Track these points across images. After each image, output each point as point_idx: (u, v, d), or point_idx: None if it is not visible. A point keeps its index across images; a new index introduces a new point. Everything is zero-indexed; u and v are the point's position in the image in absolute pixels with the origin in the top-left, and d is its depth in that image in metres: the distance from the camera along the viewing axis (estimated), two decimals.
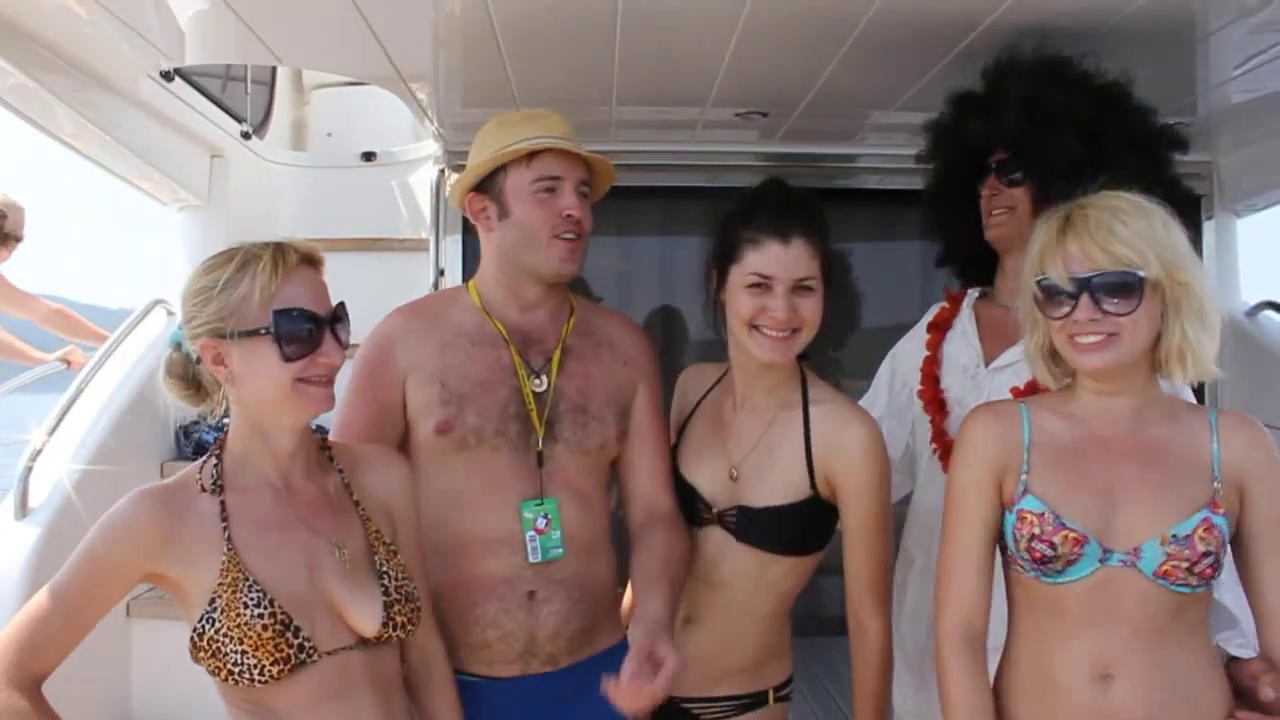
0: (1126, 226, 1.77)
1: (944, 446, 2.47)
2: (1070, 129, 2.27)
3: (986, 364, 2.46)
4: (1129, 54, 2.36)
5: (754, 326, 2.13)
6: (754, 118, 3.16)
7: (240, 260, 1.71)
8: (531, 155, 2.19)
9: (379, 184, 5.06)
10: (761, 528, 2.20)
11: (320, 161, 5.29)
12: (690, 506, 2.29)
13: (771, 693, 2.31)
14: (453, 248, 3.63)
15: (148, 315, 4.07)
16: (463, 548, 2.14)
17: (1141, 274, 1.75)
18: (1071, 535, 1.80)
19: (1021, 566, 1.86)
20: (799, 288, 2.11)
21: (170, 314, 4.14)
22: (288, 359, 1.72)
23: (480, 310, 2.27)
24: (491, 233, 2.27)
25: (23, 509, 3.18)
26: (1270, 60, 2.50)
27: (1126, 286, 1.76)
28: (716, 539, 2.25)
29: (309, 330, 1.74)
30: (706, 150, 3.52)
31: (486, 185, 2.24)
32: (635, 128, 3.37)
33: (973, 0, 2.25)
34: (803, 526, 2.20)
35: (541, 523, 2.18)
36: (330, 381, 1.78)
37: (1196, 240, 3.59)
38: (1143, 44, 2.38)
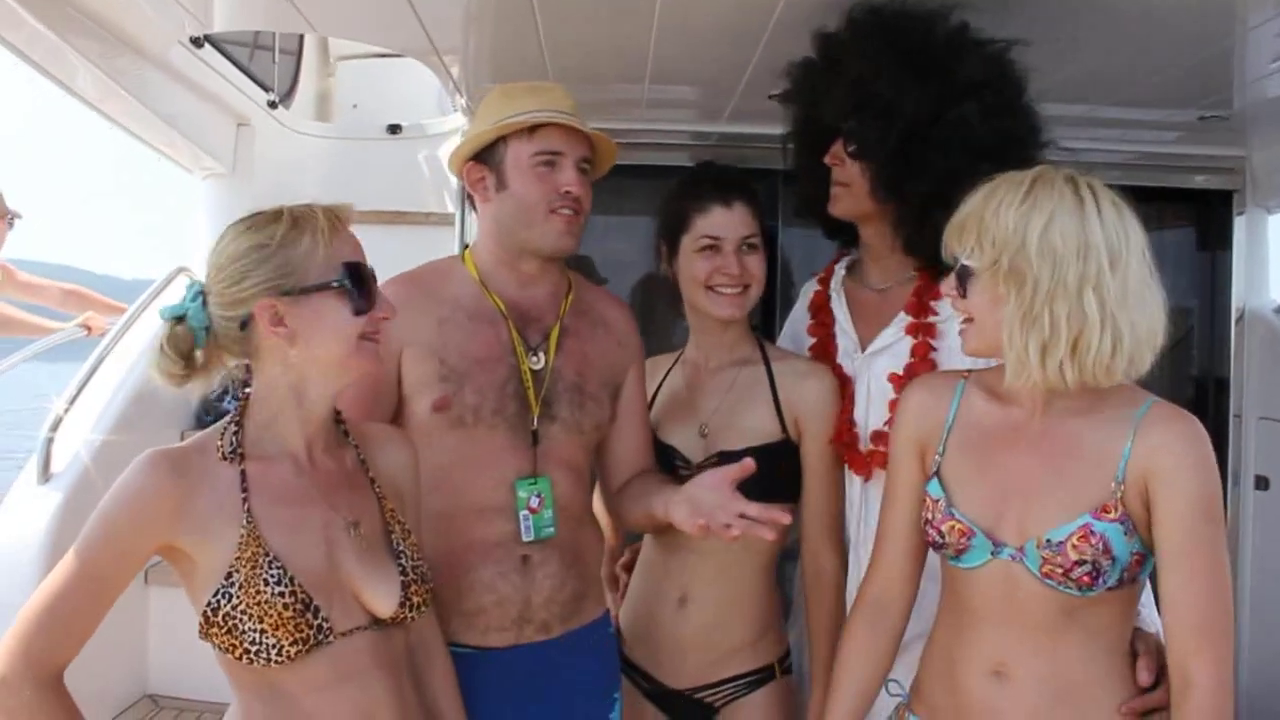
0: (970, 209, 1.73)
1: (850, 437, 2.35)
2: (896, 123, 2.17)
3: (863, 349, 2.40)
4: (1166, 46, 2.34)
5: (709, 287, 2.33)
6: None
7: (292, 217, 1.67)
8: (533, 128, 2.17)
9: (404, 157, 5.06)
10: None
11: (346, 133, 5.29)
12: (669, 468, 2.34)
13: (777, 665, 2.36)
14: (478, 223, 3.60)
15: (170, 283, 4.08)
16: (456, 517, 2.14)
17: (964, 261, 1.73)
18: (958, 526, 1.77)
19: (932, 549, 1.86)
20: (745, 246, 2.33)
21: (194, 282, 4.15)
22: (357, 312, 1.71)
23: (478, 284, 2.25)
24: (488, 203, 2.25)
25: (45, 474, 3.20)
26: None
27: (958, 274, 1.76)
28: None
29: (370, 284, 1.74)
30: (736, 132, 3.49)
31: (486, 155, 2.22)
32: (666, 107, 3.35)
33: None
34: (779, 468, 2.31)
35: (535, 501, 2.18)
36: (379, 338, 1.77)
37: (1226, 235, 3.59)
38: (1181, 35, 2.35)
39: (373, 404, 2.10)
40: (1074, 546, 1.66)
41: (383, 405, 2.13)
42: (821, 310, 2.53)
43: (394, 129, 5.13)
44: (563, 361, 2.24)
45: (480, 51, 2.91)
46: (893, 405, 2.12)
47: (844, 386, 2.40)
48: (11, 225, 4.58)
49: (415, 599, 1.77)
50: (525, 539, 2.16)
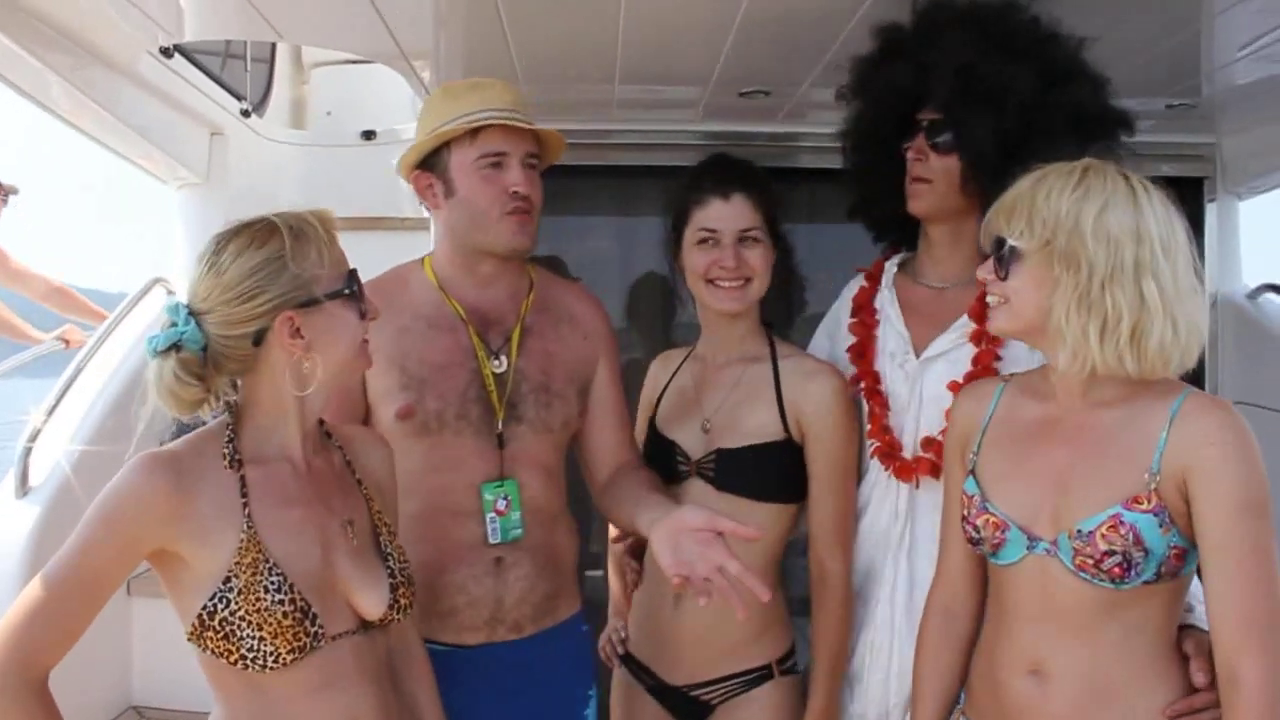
0: (1019, 192, 1.73)
1: (886, 444, 2.30)
2: (1008, 108, 2.11)
3: (917, 353, 2.30)
4: (1134, 35, 2.35)
5: (709, 281, 2.31)
6: (757, 97, 3.15)
7: (291, 229, 1.68)
8: (475, 131, 2.15)
9: (379, 163, 5.03)
10: (739, 470, 2.27)
11: (320, 140, 5.27)
12: (669, 462, 2.33)
13: (775, 665, 2.33)
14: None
15: (147, 294, 4.07)
16: (429, 520, 2.15)
17: (1010, 241, 1.72)
18: (993, 520, 1.78)
19: (972, 545, 1.86)
20: (744, 239, 2.29)
21: (170, 293, 4.13)
22: (362, 316, 1.75)
23: (438, 289, 2.26)
24: (440, 210, 2.24)
25: (23, 487, 3.18)
26: (1274, 42, 2.49)
27: (999, 252, 1.75)
28: (695, 492, 2.29)
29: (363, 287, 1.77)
30: (708, 130, 3.50)
31: (431, 162, 2.21)
32: (636, 106, 3.35)
33: None
34: (778, 468, 2.28)
35: (502, 504, 2.19)
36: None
37: (1198, 222, 3.60)
38: (1148, 24, 2.36)
39: (347, 414, 2.12)
40: (1103, 536, 1.66)
41: (354, 415, 2.15)
42: (865, 308, 2.44)
43: (368, 135, 5.12)
44: (526, 362, 2.24)
45: (449, 55, 2.91)
46: (948, 414, 2.06)
47: (875, 390, 2.34)
48: (6, 201, 4.54)
49: (403, 601, 1.79)
50: (492, 541, 2.18)
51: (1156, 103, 3.05)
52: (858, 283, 2.52)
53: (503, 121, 2.16)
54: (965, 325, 2.25)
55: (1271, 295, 3.64)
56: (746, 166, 2.40)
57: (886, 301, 2.40)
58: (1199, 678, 1.69)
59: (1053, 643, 1.74)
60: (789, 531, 2.35)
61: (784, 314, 3.48)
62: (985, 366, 2.19)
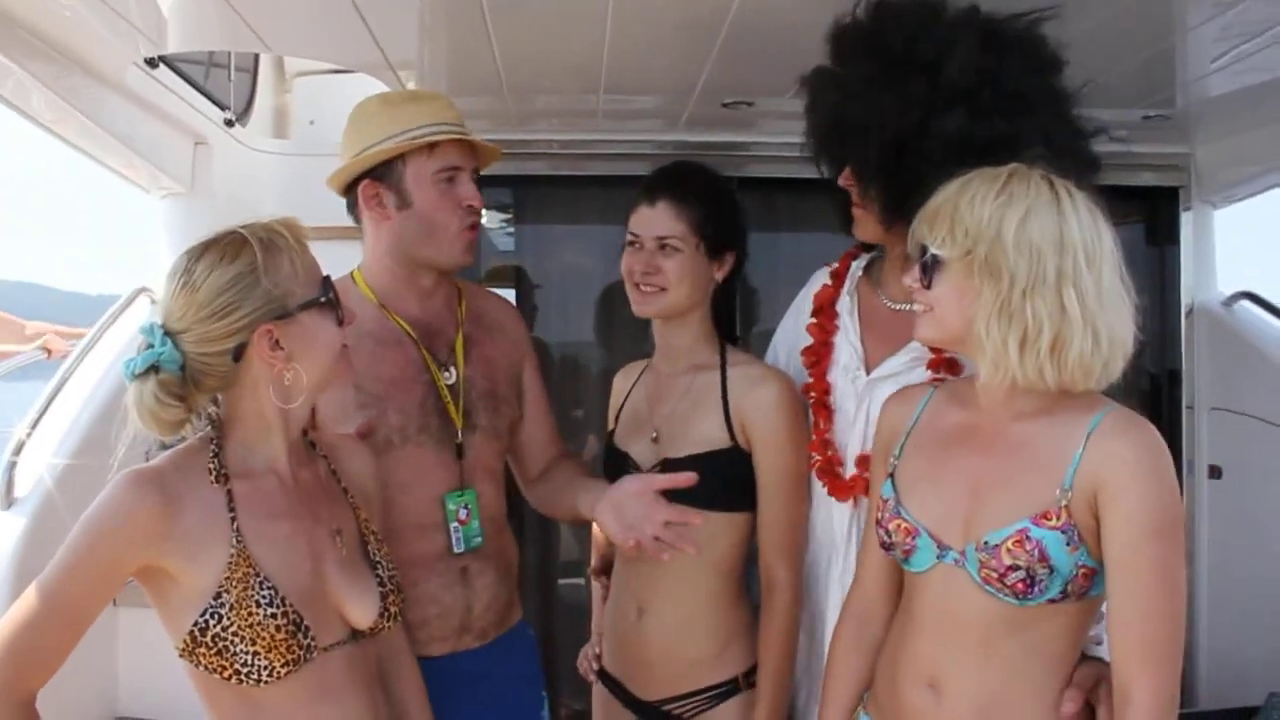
0: (943, 199, 1.71)
1: (825, 460, 2.26)
2: (875, 146, 2.04)
3: (868, 370, 2.26)
4: (1109, 48, 2.38)
5: (633, 284, 2.32)
6: (740, 108, 3.17)
7: (261, 241, 1.67)
8: (433, 144, 2.17)
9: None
10: None
11: (303, 149, 5.25)
12: (621, 474, 2.28)
13: (742, 679, 2.31)
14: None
15: (132, 303, 4.06)
16: (396, 534, 2.13)
17: (931, 250, 1.70)
18: (904, 525, 1.77)
19: (884, 550, 1.85)
20: (662, 246, 2.28)
21: (154, 302, 4.13)
22: (339, 322, 1.75)
23: (377, 306, 2.25)
24: (387, 221, 2.22)
25: (7, 500, 3.17)
26: (1246, 55, 2.53)
27: (923, 260, 1.73)
28: None
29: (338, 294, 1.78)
30: (692, 140, 3.52)
31: (382, 172, 2.20)
32: (621, 117, 3.37)
33: None
34: (724, 476, 2.26)
35: (463, 514, 2.22)
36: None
37: (1173, 231, 3.65)
38: (1124, 37, 2.40)
39: None
40: (1008, 550, 1.63)
41: None
42: (825, 310, 2.39)
43: None
44: (472, 370, 2.27)
45: (434, 65, 2.93)
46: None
47: (823, 402, 2.30)
48: None
49: (393, 609, 1.80)
50: (456, 550, 2.20)
51: (1133, 113, 3.09)
52: (822, 279, 2.47)
53: (459, 136, 2.19)
54: (917, 349, 2.18)
55: (1246, 303, 3.68)
56: (688, 175, 2.38)
57: (846, 310, 2.35)
58: (1067, 706, 1.68)
59: (950, 656, 1.73)
60: (745, 541, 2.32)
61: (768, 319, 3.52)
62: None
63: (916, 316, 1.79)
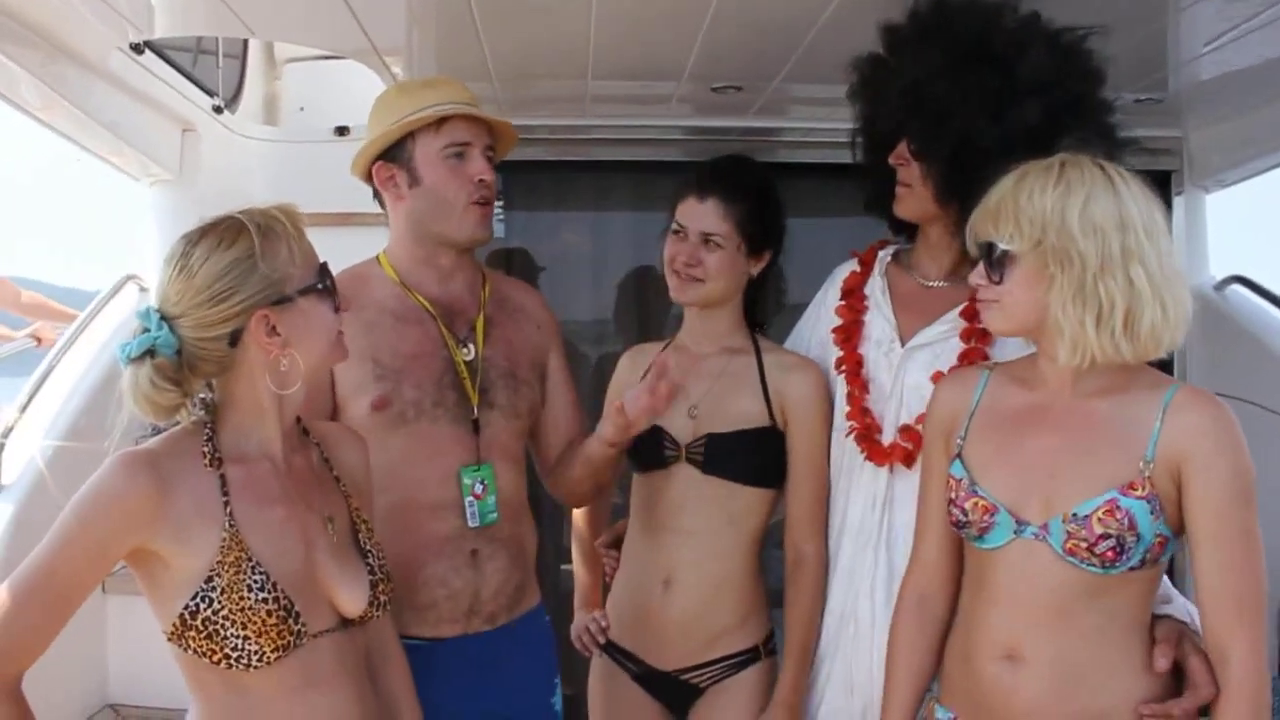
0: (1001, 196, 1.77)
1: (865, 427, 2.30)
2: (955, 125, 2.13)
3: (902, 342, 2.32)
4: (1100, 30, 2.37)
5: (672, 270, 2.40)
6: (729, 92, 3.16)
7: (259, 226, 1.67)
8: (440, 121, 2.21)
9: (352, 158, 5.03)
10: (728, 454, 2.34)
11: (293, 136, 5.25)
12: (656, 447, 2.38)
13: (761, 647, 2.40)
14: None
15: (119, 291, 4.05)
16: (406, 514, 2.17)
17: (1001, 245, 1.76)
18: (982, 503, 1.80)
19: (955, 529, 1.89)
20: (706, 241, 2.35)
21: (143, 289, 4.12)
22: (336, 309, 1.76)
23: (399, 284, 2.29)
24: (402, 201, 2.27)
25: None
26: (1239, 37, 2.52)
27: (990, 256, 1.79)
28: (683, 478, 2.36)
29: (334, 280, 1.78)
30: (682, 125, 3.51)
31: (394, 153, 2.26)
32: (609, 102, 3.36)
33: None
34: (763, 453, 2.36)
35: (479, 488, 2.23)
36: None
37: (1165, 215, 3.64)
38: (1114, 18, 2.39)
39: (315, 410, 2.11)
40: (1100, 520, 1.70)
41: (322, 411, 2.15)
42: (855, 293, 2.45)
43: (341, 130, 5.09)
44: (492, 350, 2.30)
45: (423, 51, 2.92)
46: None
47: (856, 373, 2.36)
48: None
49: (383, 597, 1.80)
50: (471, 525, 2.22)
51: (1124, 97, 3.08)
52: (849, 267, 2.52)
53: (466, 111, 2.23)
54: (954, 319, 2.26)
55: (1239, 287, 3.68)
56: (740, 173, 2.46)
57: (877, 289, 2.41)
58: (1160, 662, 1.75)
59: (1029, 628, 1.76)
60: (768, 518, 2.41)
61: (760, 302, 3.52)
62: (971, 363, 2.20)
63: (983, 310, 1.85)
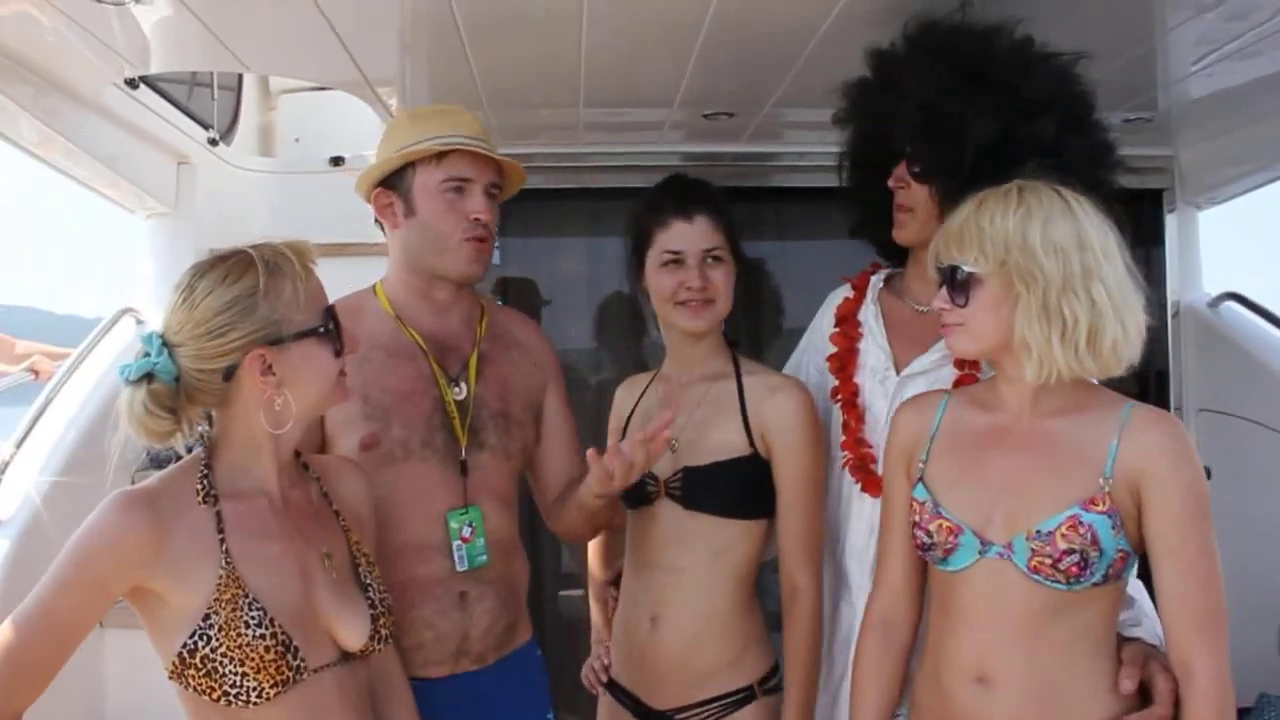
0: (963, 220, 1.81)
1: (859, 457, 2.30)
2: (969, 144, 2.11)
3: (897, 370, 2.30)
4: (1090, 47, 2.38)
5: (678, 303, 2.30)
6: (720, 118, 3.17)
7: (267, 264, 1.68)
8: (442, 154, 2.19)
9: (348, 189, 5.02)
10: (706, 487, 2.27)
11: (289, 167, 5.26)
12: (638, 485, 2.29)
13: (757, 687, 2.31)
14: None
15: (116, 324, 4.05)
16: (394, 555, 2.14)
17: (966, 268, 1.79)
18: (946, 524, 1.82)
19: (920, 553, 1.90)
20: (708, 259, 2.29)
21: (140, 322, 4.11)
22: (337, 353, 1.76)
23: (393, 318, 2.26)
24: (397, 229, 2.25)
25: None
26: (1227, 56, 2.53)
27: (955, 279, 1.82)
28: (665, 514, 2.30)
29: (340, 324, 1.78)
30: (673, 151, 3.52)
31: (394, 181, 2.23)
32: (601, 130, 3.37)
33: None
34: (745, 483, 2.28)
35: (467, 531, 2.21)
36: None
37: (1158, 233, 3.66)
38: (1103, 38, 2.40)
39: (304, 444, 2.10)
40: (1063, 535, 1.71)
41: (309, 446, 2.12)
42: (849, 320, 2.43)
43: (337, 161, 5.11)
44: (484, 389, 2.26)
45: (415, 82, 2.93)
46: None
47: (852, 402, 2.34)
48: None
49: (383, 631, 1.79)
50: (459, 569, 2.19)
51: (1114, 116, 3.09)
52: (843, 293, 2.51)
53: (470, 147, 2.19)
54: (945, 348, 2.20)
55: (1233, 304, 3.69)
56: (705, 186, 2.41)
57: (871, 316, 2.40)
58: (1125, 684, 1.77)
59: (999, 649, 1.77)
60: (761, 548, 2.34)
61: (753, 329, 3.52)
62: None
63: (947, 333, 1.87)
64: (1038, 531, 1.73)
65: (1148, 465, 1.72)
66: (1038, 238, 1.74)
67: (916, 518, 1.87)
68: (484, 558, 2.22)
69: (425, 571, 2.19)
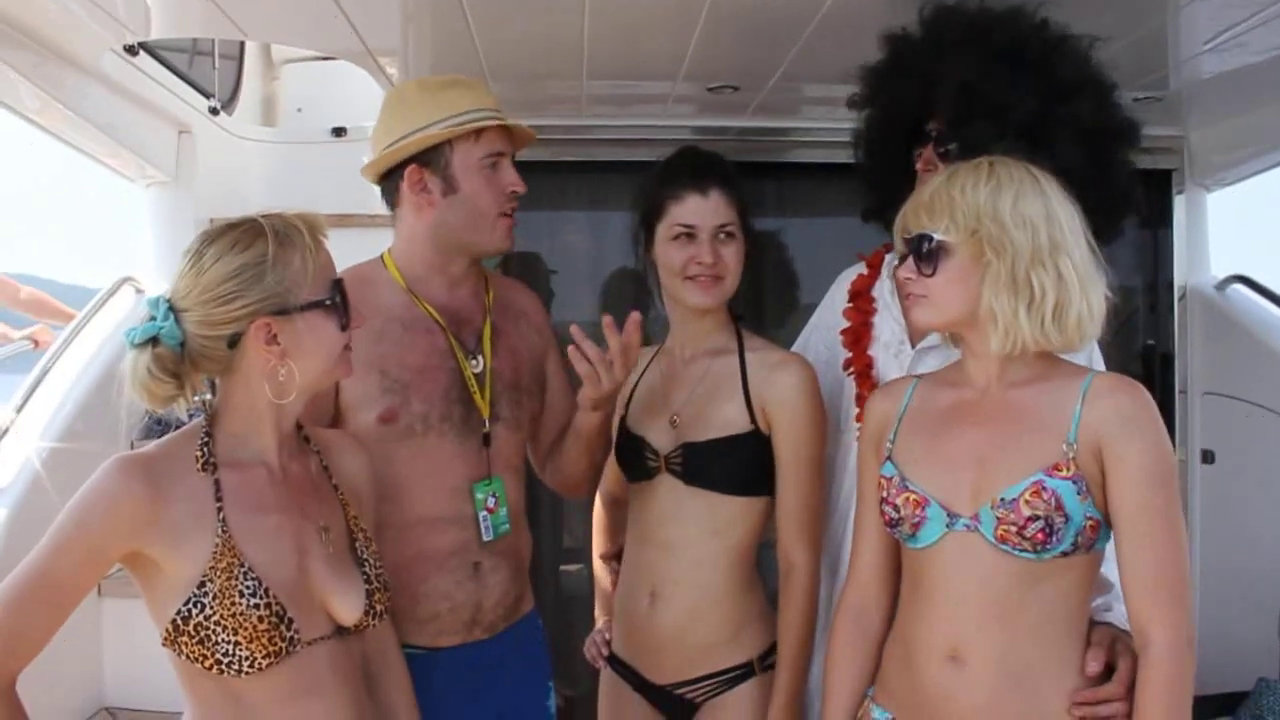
0: (934, 190, 1.82)
1: None
2: (1010, 123, 2.10)
3: (912, 344, 2.30)
4: (1100, 28, 2.36)
5: (687, 277, 2.29)
6: (725, 92, 3.15)
7: (277, 234, 1.67)
8: (479, 130, 2.17)
9: (350, 160, 5.00)
10: (707, 463, 2.27)
11: (290, 137, 5.25)
12: (639, 459, 2.32)
13: (756, 663, 2.31)
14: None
15: (116, 293, 4.04)
16: (410, 528, 2.15)
17: (936, 236, 1.79)
18: (913, 497, 1.82)
19: (890, 531, 1.90)
20: (721, 234, 2.28)
21: (140, 291, 4.11)
22: (343, 327, 1.75)
23: (406, 291, 2.24)
24: (430, 207, 2.21)
25: None
26: (1239, 35, 2.51)
27: (923, 249, 1.81)
28: (666, 489, 2.30)
29: (348, 297, 1.77)
30: (678, 125, 3.50)
31: (430, 158, 2.19)
32: (606, 103, 3.35)
33: None
34: (745, 460, 2.28)
35: (492, 502, 2.21)
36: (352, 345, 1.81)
37: (1166, 214, 3.64)
38: (1114, 16, 2.38)
39: (316, 419, 2.08)
40: (1026, 502, 1.71)
41: (322, 420, 2.12)
42: (863, 295, 2.43)
43: (339, 132, 5.09)
44: (499, 361, 2.26)
45: (417, 53, 2.91)
46: None
47: (866, 375, 2.34)
48: None
49: (378, 606, 1.79)
50: (486, 539, 2.20)
51: (1124, 95, 3.07)
52: (857, 269, 2.51)
53: (505, 122, 2.20)
54: None
55: (1240, 287, 3.67)
56: (719, 161, 2.37)
57: (886, 291, 2.39)
58: (1091, 665, 1.75)
59: (969, 626, 1.76)
60: (762, 525, 2.33)
61: (756, 304, 3.51)
62: None
63: (911, 305, 1.86)
64: (1002, 499, 1.73)
65: (1109, 430, 1.72)
66: (1008, 209, 1.75)
67: (885, 493, 1.87)
68: (507, 526, 2.24)
69: (441, 544, 2.19)
